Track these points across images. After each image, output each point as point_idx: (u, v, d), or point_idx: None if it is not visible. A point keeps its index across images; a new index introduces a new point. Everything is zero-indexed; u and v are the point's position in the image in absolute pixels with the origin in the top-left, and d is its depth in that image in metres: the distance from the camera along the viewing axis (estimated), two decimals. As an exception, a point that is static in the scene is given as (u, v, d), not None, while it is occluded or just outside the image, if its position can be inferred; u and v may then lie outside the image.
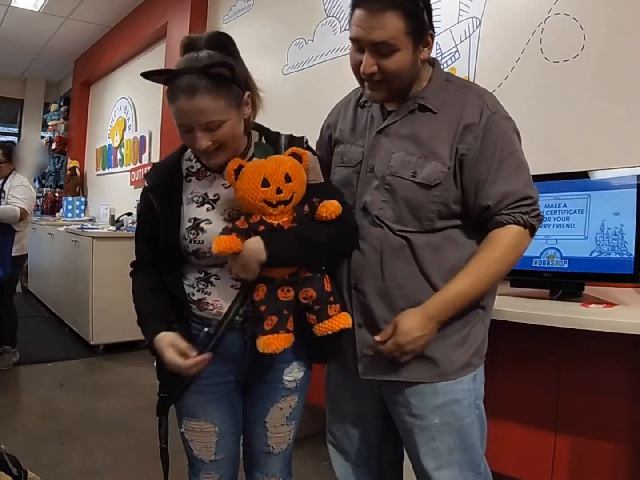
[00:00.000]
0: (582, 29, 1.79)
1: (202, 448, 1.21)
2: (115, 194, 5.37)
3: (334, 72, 2.77)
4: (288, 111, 3.05)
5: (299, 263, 1.08)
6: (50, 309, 4.87)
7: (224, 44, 1.14)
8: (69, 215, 5.82)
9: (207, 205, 1.14)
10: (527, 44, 1.96)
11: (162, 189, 1.17)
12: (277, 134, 1.21)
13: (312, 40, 2.94)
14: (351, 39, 1.10)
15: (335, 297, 1.10)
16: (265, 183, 1.04)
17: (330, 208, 1.07)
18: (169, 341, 1.09)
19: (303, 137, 1.20)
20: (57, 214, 6.19)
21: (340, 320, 1.08)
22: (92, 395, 2.98)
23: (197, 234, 1.12)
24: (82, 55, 6.31)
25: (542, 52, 1.92)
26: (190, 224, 1.13)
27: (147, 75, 1.07)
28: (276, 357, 1.11)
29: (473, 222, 1.13)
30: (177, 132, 1.09)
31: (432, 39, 1.13)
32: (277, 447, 1.25)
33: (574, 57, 1.83)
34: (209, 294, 1.14)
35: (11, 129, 7.64)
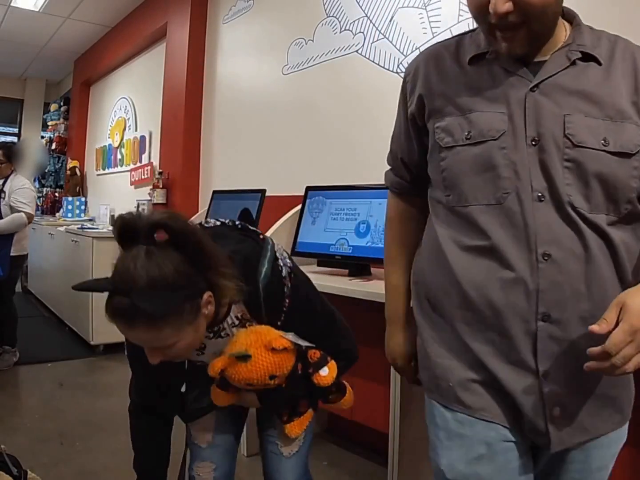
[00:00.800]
0: (582, 29, 1.79)
1: (200, 430, 1.22)
2: (115, 194, 5.37)
3: (334, 72, 2.77)
4: (287, 111, 3.05)
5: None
6: (50, 309, 4.87)
7: (179, 241, 0.89)
8: (69, 215, 5.82)
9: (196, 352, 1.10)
10: (527, 44, 1.96)
11: None
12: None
13: (312, 40, 2.94)
14: None
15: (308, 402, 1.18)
16: (251, 385, 1.05)
17: (323, 381, 1.09)
18: None
19: (256, 266, 1.04)
20: (57, 214, 6.19)
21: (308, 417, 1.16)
22: (92, 395, 2.98)
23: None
24: (82, 55, 6.31)
25: (542, 52, 1.92)
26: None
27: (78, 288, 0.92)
28: None
29: None
30: None
31: None
32: (285, 448, 1.21)
33: (574, 57, 1.82)
34: None
35: (11, 129, 7.64)
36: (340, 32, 2.77)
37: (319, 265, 2.31)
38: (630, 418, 0.94)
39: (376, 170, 2.55)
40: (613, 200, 0.82)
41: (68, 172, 6.30)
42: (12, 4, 4.76)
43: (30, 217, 3.33)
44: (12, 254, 3.24)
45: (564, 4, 0.91)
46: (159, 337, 0.88)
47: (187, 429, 1.25)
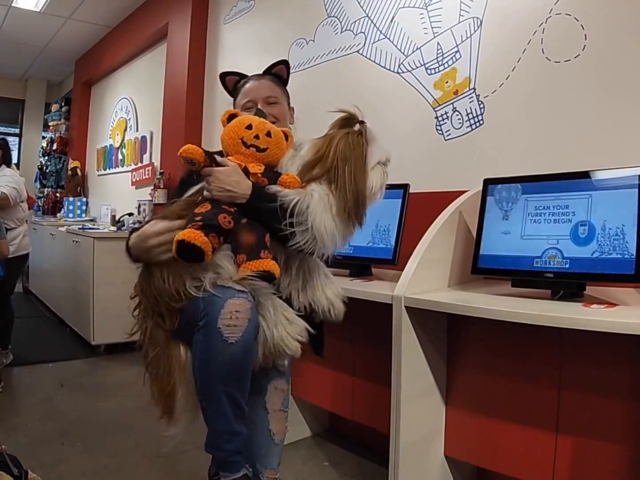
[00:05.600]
0: (583, 28, 1.79)
1: None
2: (117, 195, 5.37)
3: (335, 72, 2.78)
4: (289, 111, 3.05)
5: (262, 214, 1.11)
6: (51, 309, 4.87)
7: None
8: (70, 215, 5.83)
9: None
10: (528, 44, 1.96)
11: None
12: None
13: (313, 40, 2.95)
14: None
15: (270, 251, 1.10)
16: (249, 127, 1.16)
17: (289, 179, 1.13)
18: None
19: None
20: (58, 214, 6.20)
21: (268, 264, 1.06)
22: (93, 396, 2.98)
23: None
24: (83, 55, 6.32)
25: (544, 52, 1.92)
26: None
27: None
28: None
29: None
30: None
31: None
32: (277, 435, 1.29)
33: (575, 57, 1.82)
34: None
35: (12, 129, 7.65)
36: (341, 32, 2.77)
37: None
38: (632, 418, 0.94)
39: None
40: None
41: (69, 172, 6.30)
42: (13, 5, 4.76)
43: (4, 198, 3.31)
44: (11, 256, 3.21)
45: None
46: (274, 89, 1.35)
47: None
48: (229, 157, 1.18)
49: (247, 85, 1.35)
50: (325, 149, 1.14)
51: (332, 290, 1.23)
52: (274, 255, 1.12)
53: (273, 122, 1.27)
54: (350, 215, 1.09)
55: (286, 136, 1.22)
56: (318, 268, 1.21)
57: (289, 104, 1.40)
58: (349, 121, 1.19)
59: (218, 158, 1.15)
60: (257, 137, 1.16)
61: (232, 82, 1.39)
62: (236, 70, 1.45)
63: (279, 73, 1.39)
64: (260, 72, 1.40)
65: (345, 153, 1.11)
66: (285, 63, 1.41)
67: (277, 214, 1.08)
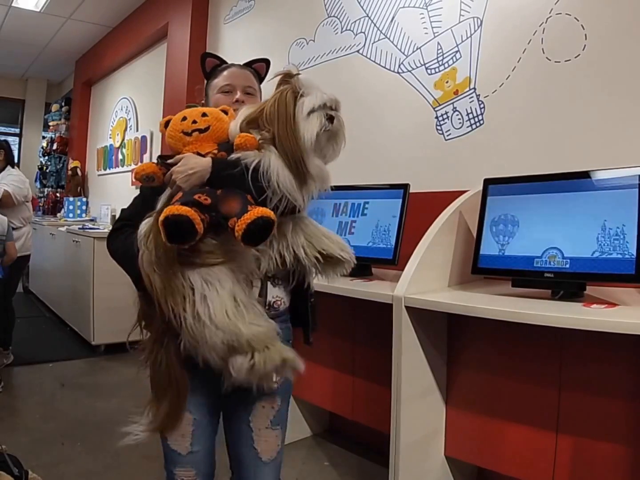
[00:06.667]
0: (583, 28, 1.79)
1: (178, 438, 1.19)
2: (117, 194, 5.37)
3: (335, 72, 2.77)
4: (289, 111, 3.04)
5: (230, 184, 1.06)
6: (52, 309, 4.87)
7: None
8: (70, 215, 5.83)
9: None
10: (528, 43, 1.96)
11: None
12: None
13: (313, 40, 2.95)
14: None
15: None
16: (184, 119, 1.17)
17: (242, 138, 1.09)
18: None
19: None
20: (58, 214, 6.20)
21: (259, 210, 0.99)
22: (93, 396, 2.98)
23: None
24: (84, 55, 6.32)
25: (544, 52, 1.92)
26: None
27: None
28: None
29: None
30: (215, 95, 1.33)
31: None
32: (265, 454, 1.21)
33: (576, 57, 1.82)
34: None
35: (12, 129, 7.65)
36: (341, 32, 2.77)
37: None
38: (632, 418, 0.94)
39: (377, 170, 2.57)
40: None
41: (69, 172, 6.30)
42: (13, 4, 4.76)
43: (7, 196, 3.33)
44: None
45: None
46: (253, 81, 1.36)
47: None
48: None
49: (228, 72, 1.35)
50: (257, 112, 1.14)
51: (336, 237, 1.21)
52: None
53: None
54: (298, 170, 1.07)
55: (225, 112, 1.21)
56: (311, 222, 1.19)
57: (260, 99, 1.40)
58: (286, 81, 1.16)
59: (170, 160, 1.13)
60: (194, 122, 1.16)
61: (211, 64, 1.39)
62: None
63: (258, 70, 1.40)
64: (241, 64, 1.41)
65: (270, 115, 1.10)
66: (266, 61, 1.43)
67: (246, 177, 1.04)
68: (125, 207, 1.28)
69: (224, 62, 1.40)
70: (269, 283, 1.19)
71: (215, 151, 1.13)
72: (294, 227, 1.14)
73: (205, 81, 1.41)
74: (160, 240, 0.99)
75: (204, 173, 1.07)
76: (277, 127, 1.08)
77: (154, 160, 1.17)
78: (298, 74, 1.16)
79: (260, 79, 1.41)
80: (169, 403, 1.12)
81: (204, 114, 1.17)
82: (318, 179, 1.11)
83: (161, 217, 0.96)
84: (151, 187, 1.16)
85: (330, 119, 1.14)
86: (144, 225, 1.06)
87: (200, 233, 0.98)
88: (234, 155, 1.08)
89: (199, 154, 1.13)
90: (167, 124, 1.21)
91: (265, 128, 1.11)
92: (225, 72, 1.35)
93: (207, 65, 1.39)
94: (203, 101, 1.40)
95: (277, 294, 1.22)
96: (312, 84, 1.16)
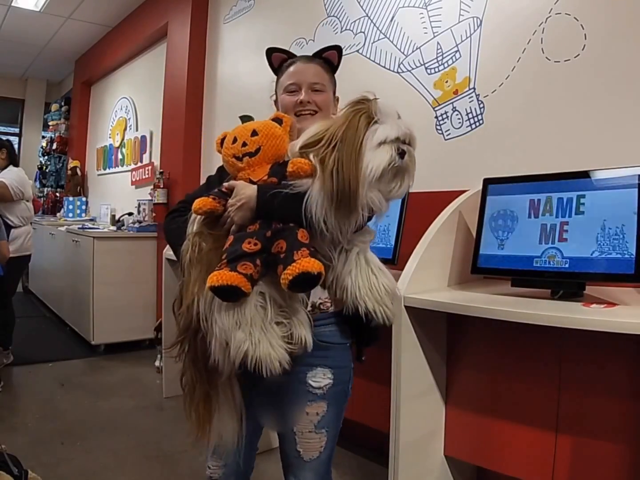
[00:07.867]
0: (583, 28, 1.79)
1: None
2: (116, 194, 5.37)
3: (334, 72, 2.77)
4: (289, 111, 3.05)
5: (277, 212, 1.04)
6: (51, 308, 4.88)
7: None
8: (70, 215, 5.83)
9: None
10: (528, 43, 1.96)
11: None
12: None
13: (313, 40, 2.94)
14: None
15: (308, 247, 0.99)
16: (234, 141, 1.13)
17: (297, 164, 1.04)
18: None
19: None
20: (58, 214, 6.20)
21: (301, 264, 0.94)
22: (93, 395, 2.98)
23: None
24: (83, 55, 6.32)
25: (543, 52, 1.92)
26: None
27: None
28: (297, 360, 1.07)
29: None
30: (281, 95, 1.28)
31: None
32: (305, 453, 1.20)
33: (575, 57, 1.83)
34: None
35: (12, 128, 7.65)
36: (341, 32, 2.77)
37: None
38: (631, 418, 0.94)
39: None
40: None
41: (69, 172, 6.30)
42: (12, 4, 4.76)
43: (4, 187, 3.33)
44: (13, 255, 3.22)
45: None
46: (321, 76, 1.28)
47: None
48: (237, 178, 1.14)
49: (293, 67, 1.26)
50: (323, 132, 1.05)
51: (385, 282, 1.13)
52: (321, 249, 1.06)
53: (315, 111, 1.24)
54: (344, 202, 0.99)
55: (280, 120, 1.14)
56: (361, 260, 1.12)
57: (334, 92, 1.32)
58: (362, 102, 1.09)
59: (224, 185, 1.11)
60: (244, 144, 1.12)
61: (278, 59, 1.31)
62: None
63: (329, 58, 1.29)
64: (310, 55, 1.32)
65: (337, 137, 1.01)
66: (337, 49, 1.31)
67: (292, 203, 1.00)
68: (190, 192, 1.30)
69: (292, 55, 1.31)
70: None
71: (266, 177, 1.09)
72: (347, 259, 1.11)
73: (275, 77, 1.35)
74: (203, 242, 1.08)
75: (252, 204, 1.05)
76: (342, 151, 1.00)
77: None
78: (376, 98, 1.09)
79: (333, 68, 1.31)
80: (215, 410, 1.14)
81: (253, 132, 1.12)
82: (367, 209, 1.04)
83: (209, 283, 0.98)
84: (218, 175, 1.23)
85: (402, 154, 1.04)
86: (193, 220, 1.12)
87: (250, 292, 0.99)
88: (286, 183, 1.04)
89: (251, 181, 1.10)
90: (222, 142, 1.17)
91: (327, 149, 1.02)
92: (290, 69, 1.27)
93: (274, 60, 1.32)
94: (274, 98, 1.34)
95: (323, 296, 1.17)
96: (390, 112, 1.07)
